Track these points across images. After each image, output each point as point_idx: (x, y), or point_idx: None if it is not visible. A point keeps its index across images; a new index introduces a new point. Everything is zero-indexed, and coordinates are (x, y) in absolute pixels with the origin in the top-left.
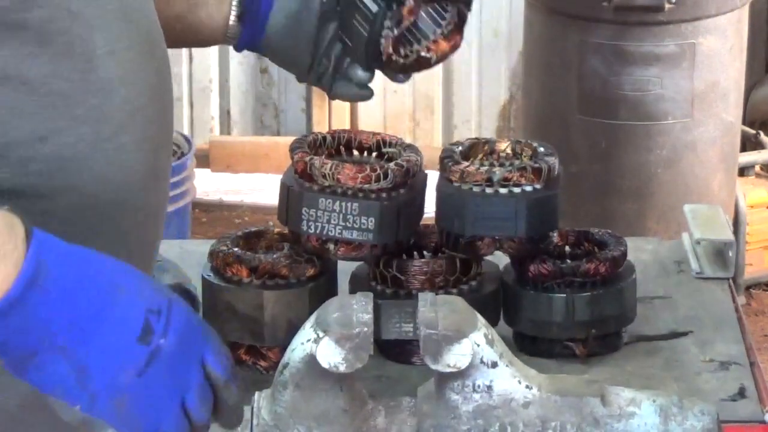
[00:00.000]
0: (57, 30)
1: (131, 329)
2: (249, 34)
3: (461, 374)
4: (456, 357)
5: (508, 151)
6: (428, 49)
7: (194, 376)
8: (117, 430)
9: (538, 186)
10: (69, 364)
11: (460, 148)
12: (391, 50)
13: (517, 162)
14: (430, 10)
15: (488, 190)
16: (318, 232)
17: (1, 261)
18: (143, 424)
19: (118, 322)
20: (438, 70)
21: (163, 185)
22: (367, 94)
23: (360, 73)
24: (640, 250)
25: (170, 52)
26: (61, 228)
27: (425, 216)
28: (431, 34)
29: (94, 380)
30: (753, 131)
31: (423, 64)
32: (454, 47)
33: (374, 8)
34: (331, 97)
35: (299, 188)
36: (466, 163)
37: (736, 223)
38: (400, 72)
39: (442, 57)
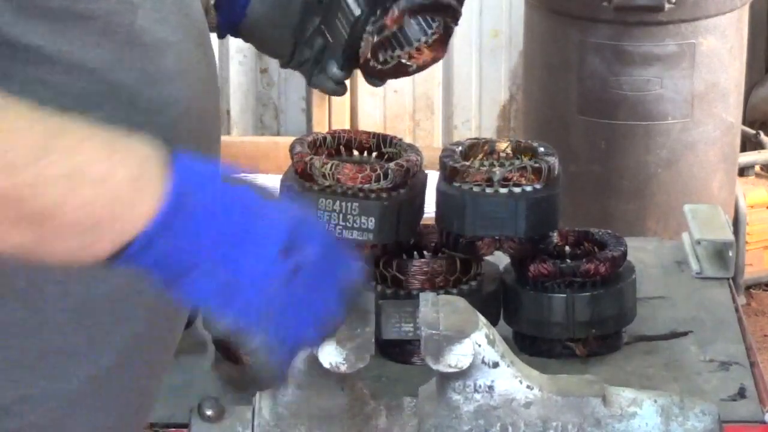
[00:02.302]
0: (121, 21)
1: (275, 243)
2: (226, 18)
3: (462, 374)
4: (457, 357)
5: (508, 151)
6: (410, 57)
7: (333, 284)
8: (264, 339)
9: (538, 186)
10: (218, 280)
11: (460, 148)
12: (369, 55)
13: (517, 162)
14: (418, 18)
15: (488, 190)
16: None
17: (146, 187)
18: (289, 333)
19: (263, 237)
20: (438, 70)
21: None
22: (341, 91)
23: (335, 71)
24: (640, 250)
25: None
26: None
27: (425, 216)
28: (415, 42)
29: (243, 293)
30: (753, 131)
31: (401, 71)
32: (436, 59)
33: (357, 11)
34: (310, 85)
35: (299, 188)
36: (466, 163)
37: (736, 223)
38: (376, 77)
39: (422, 67)
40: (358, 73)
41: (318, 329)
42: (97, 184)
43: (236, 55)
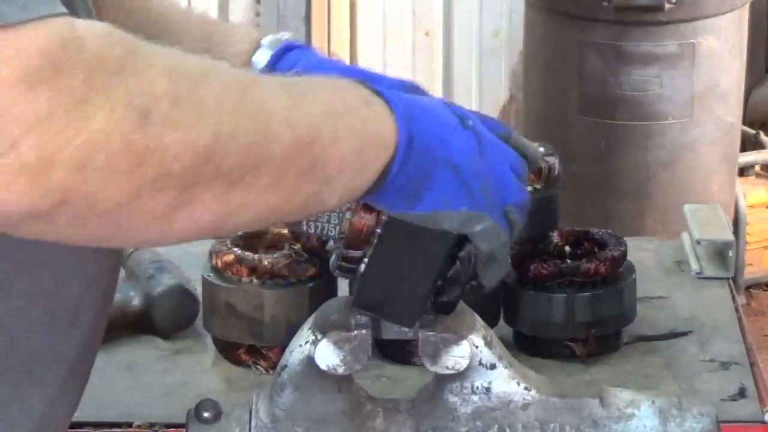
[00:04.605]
0: None
1: (456, 122)
2: None
3: (460, 376)
4: (454, 359)
5: None
6: None
7: (502, 143)
8: (488, 215)
9: (538, 186)
10: (449, 170)
11: None
12: None
13: None
14: None
15: None
16: (318, 231)
17: (378, 108)
18: (498, 201)
19: (449, 120)
20: (438, 69)
21: None
22: None
23: None
24: (640, 250)
25: None
26: None
27: None
28: None
29: (466, 173)
30: (753, 131)
31: None
32: None
33: None
34: None
35: None
36: None
37: (736, 223)
38: None
39: None
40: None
41: (515, 186)
42: (346, 114)
43: None
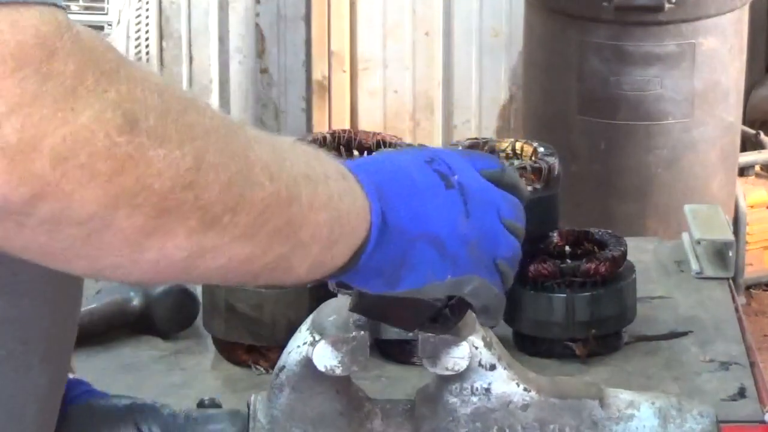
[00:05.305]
0: None
1: (438, 184)
2: None
3: (459, 377)
4: (454, 360)
5: (508, 151)
6: None
7: (492, 188)
8: (478, 275)
9: (538, 186)
10: (430, 246)
11: (460, 148)
12: None
13: (517, 162)
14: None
15: None
16: None
17: (353, 183)
18: (487, 257)
19: (429, 186)
20: (438, 69)
21: None
22: None
23: None
24: (640, 250)
25: (170, 50)
26: None
27: None
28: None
29: (448, 245)
30: (753, 131)
31: None
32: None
33: None
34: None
35: None
36: None
37: (736, 223)
38: None
39: None
40: (358, 72)
41: (504, 238)
42: (324, 183)
43: (236, 55)
